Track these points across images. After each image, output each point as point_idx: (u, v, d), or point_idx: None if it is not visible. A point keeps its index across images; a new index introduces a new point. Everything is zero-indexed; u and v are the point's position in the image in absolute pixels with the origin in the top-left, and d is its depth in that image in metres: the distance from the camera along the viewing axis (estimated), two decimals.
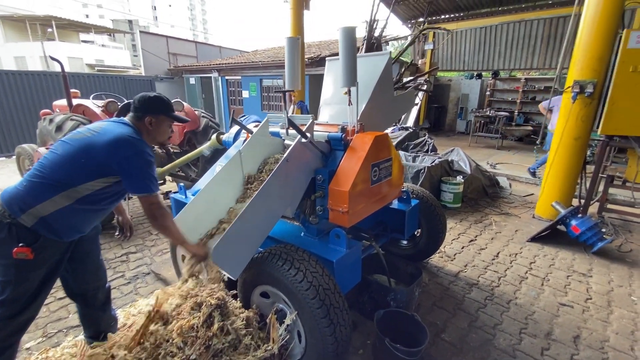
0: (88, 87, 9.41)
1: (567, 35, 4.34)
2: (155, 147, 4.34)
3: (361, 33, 7.57)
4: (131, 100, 1.89)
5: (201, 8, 74.46)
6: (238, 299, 2.08)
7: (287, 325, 1.85)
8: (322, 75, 2.98)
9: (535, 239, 3.88)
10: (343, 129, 2.19)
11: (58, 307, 2.64)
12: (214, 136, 3.33)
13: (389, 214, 2.76)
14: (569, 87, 3.94)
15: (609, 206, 4.29)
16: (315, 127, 2.30)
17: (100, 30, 27.72)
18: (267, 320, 1.93)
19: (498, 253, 3.60)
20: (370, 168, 2.11)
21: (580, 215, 3.68)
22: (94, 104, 4.50)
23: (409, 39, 8.46)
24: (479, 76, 12.78)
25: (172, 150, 4.77)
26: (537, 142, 5.35)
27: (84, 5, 47.62)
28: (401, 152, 5.67)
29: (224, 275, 1.95)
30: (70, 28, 25.51)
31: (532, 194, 5.56)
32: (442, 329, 2.43)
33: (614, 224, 4.26)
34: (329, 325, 1.69)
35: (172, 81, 15.06)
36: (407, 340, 1.95)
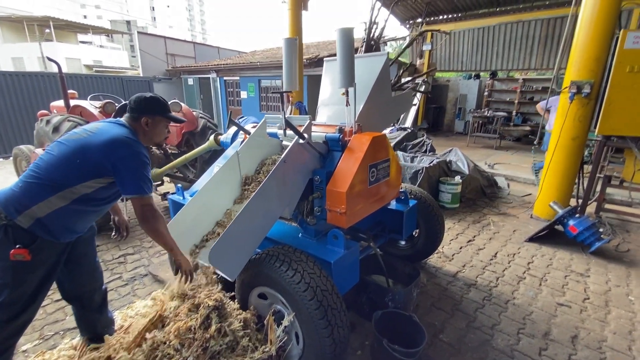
0: (86, 88, 9.39)
1: (565, 36, 4.36)
2: (153, 148, 4.34)
3: (359, 34, 7.59)
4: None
5: (199, 9, 74.44)
6: (236, 300, 2.08)
7: (285, 326, 1.85)
8: (320, 76, 2.97)
9: (533, 239, 3.88)
10: (341, 130, 2.19)
11: (55, 309, 2.63)
12: (211, 137, 3.34)
13: (387, 214, 2.76)
14: (566, 87, 3.95)
15: (607, 206, 4.31)
16: (313, 128, 2.30)
17: (98, 31, 27.64)
18: (265, 322, 1.93)
19: (496, 253, 3.61)
20: (368, 169, 2.11)
21: (577, 215, 3.69)
22: (91, 105, 4.49)
23: (408, 39, 8.48)
24: (477, 77, 12.82)
25: (170, 151, 4.76)
26: (535, 142, 5.37)
27: (82, 5, 47.53)
28: (399, 153, 5.68)
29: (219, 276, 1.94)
30: (68, 29, 25.43)
31: (530, 194, 5.58)
32: (440, 330, 2.43)
33: (612, 223, 4.27)
34: (327, 327, 1.69)
35: (170, 82, 15.03)
36: (405, 341, 1.95)
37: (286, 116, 2.22)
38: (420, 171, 4.75)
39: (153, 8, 61.48)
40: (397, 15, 11.62)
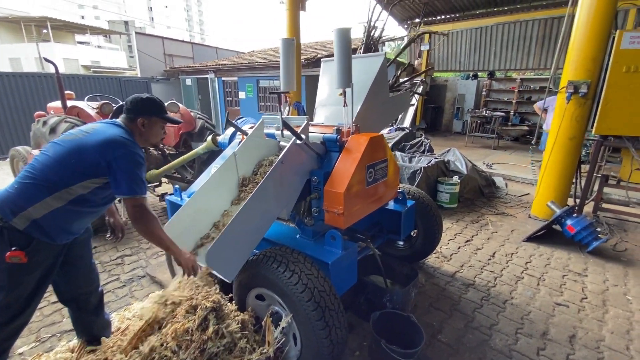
0: (83, 88, 9.36)
1: (562, 36, 4.37)
2: (151, 148, 4.33)
3: (357, 34, 7.59)
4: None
5: (198, 9, 74.34)
6: (233, 301, 2.07)
7: (283, 328, 1.84)
8: (318, 76, 2.97)
9: (531, 238, 3.89)
10: (338, 130, 2.19)
11: (52, 311, 2.62)
12: (209, 137, 3.32)
13: (384, 215, 2.76)
14: (563, 87, 3.97)
15: (604, 205, 4.32)
16: (311, 129, 2.29)
17: (96, 31, 27.59)
18: (263, 323, 1.92)
19: (494, 253, 3.61)
20: (366, 169, 2.10)
21: (575, 214, 3.70)
22: (88, 106, 4.47)
23: (406, 40, 8.49)
24: (475, 76, 12.84)
25: (167, 151, 4.75)
26: (533, 142, 5.39)
27: (79, 6, 47.43)
28: (397, 153, 5.68)
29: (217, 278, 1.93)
30: (65, 29, 25.36)
31: (528, 194, 5.59)
32: (439, 330, 2.43)
33: (609, 223, 4.29)
34: (325, 328, 1.69)
35: (168, 82, 15.00)
36: (403, 341, 1.94)
37: (283, 117, 2.22)
38: (419, 171, 4.75)
39: (151, 8, 61.38)
40: (395, 15, 11.63)
